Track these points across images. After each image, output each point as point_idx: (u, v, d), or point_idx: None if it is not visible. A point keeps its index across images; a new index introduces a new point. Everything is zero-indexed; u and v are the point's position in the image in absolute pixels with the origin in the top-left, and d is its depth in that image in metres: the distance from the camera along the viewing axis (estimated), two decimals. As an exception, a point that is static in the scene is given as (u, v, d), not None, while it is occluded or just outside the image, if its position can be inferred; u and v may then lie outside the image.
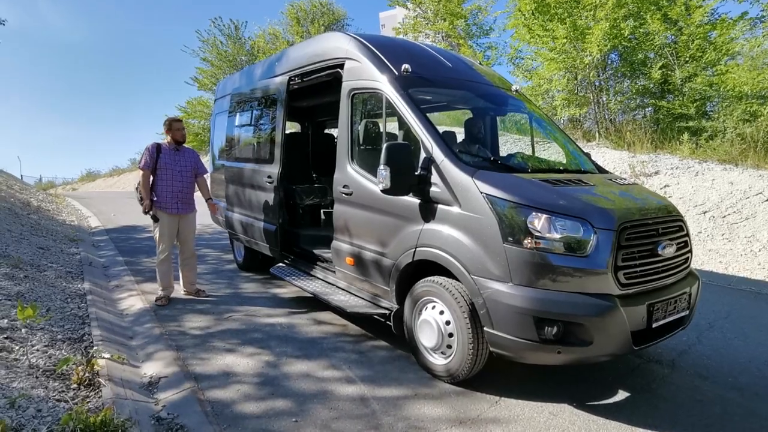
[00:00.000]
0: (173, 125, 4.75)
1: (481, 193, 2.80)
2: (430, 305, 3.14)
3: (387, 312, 3.52)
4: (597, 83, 12.62)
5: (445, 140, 3.19)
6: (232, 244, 6.58)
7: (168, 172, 4.69)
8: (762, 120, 9.12)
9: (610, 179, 3.45)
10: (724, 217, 7.02)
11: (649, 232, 2.80)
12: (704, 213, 7.28)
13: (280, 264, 4.96)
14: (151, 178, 4.70)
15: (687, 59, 11.04)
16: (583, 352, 2.58)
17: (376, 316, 3.62)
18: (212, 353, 3.50)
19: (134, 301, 4.76)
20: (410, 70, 3.57)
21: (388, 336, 3.70)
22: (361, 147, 3.92)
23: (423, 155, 3.18)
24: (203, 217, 5.80)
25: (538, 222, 2.62)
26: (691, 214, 7.38)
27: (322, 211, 5.95)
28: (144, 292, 5.04)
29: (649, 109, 12.37)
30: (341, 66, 4.08)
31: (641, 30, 11.69)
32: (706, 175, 8.18)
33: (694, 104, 10.58)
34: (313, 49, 4.60)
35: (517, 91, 4.47)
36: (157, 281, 4.80)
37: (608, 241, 2.59)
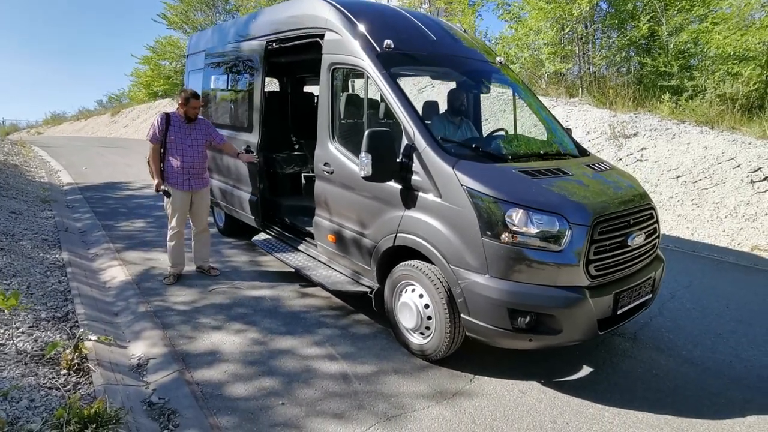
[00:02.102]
0: (191, 101, 4.31)
1: (462, 185, 2.84)
2: (409, 288, 3.26)
3: (368, 290, 3.64)
4: (583, 36, 12.36)
5: (428, 127, 3.17)
6: (212, 209, 6.53)
7: (178, 145, 4.33)
8: (742, 81, 9.18)
9: (589, 164, 3.51)
10: (696, 182, 7.25)
11: (622, 224, 2.91)
12: (677, 178, 7.49)
13: (262, 234, 4.99)
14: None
15: (675, 12, 10.85)
16: (552, 340, 2.75)
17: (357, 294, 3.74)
18: (199, 330, 3.60)
19: (116, 272, 4.77)
20: (392, 46, 3.46)
21: (369, 311, 3.84)
22: (343, 123, 3.86)
23: (405, 142, 3.17)
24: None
25: (517, 217, 2.70)
26: (664, 178, 7.58)
27: (303, 176, 5.91)
28: (125, 262, 5.04)
29: (634, 64, 12.28)
30: (321, 36, 3.92)
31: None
32: (682, 138, 8.32)
33: (678, 61, 10.53)
34: (292, 14, 4.37)
35: (501, 63, 4.39)
36: (168, 257, 4.59)
37: (582, 236, 2.69)
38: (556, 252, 2.68)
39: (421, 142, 3.07)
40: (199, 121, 4.46)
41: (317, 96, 6.71)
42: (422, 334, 3.23)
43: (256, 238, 4.96)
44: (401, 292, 3.33)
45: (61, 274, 4.50)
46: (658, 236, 3.29)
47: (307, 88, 7.24)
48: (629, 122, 9.24)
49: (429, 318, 3.14)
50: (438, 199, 2.96)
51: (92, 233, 6.15)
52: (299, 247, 4.51)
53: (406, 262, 3.24)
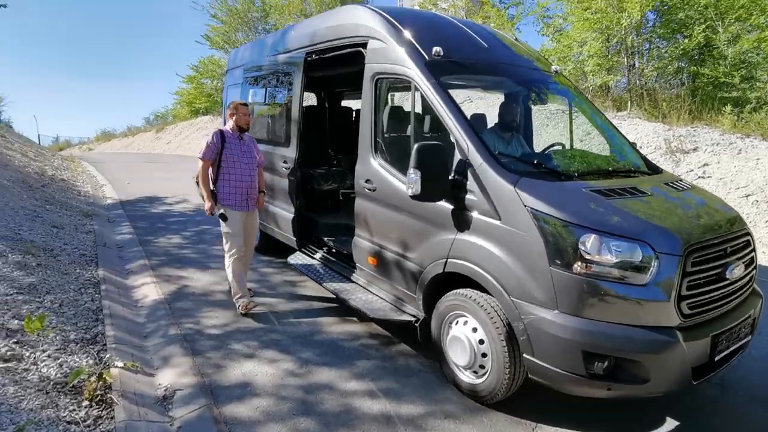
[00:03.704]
0: (239, 108, 4.04)
1: (526, 206, 2.48)
2: (461, 320, 2.90)
3: (412, 319, 3.31)
4: (633, 46, 11.77)
5: (484, 140, 2.84)
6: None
7: (236, 163, 3.99)
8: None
9: (667, 183, 3.08)
10: (769, 201, 6.55)
11: (718, 254, 2.47)
12: (747, 197, 6.81)
13: (298, 254, 4.75)
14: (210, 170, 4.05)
15: (733, 20, 10.15)
16: (636, 390, 2.33)
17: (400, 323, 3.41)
18: (230, 359, 3.35)
19: (149, 290, 4.63)
20: (442, 53, 3.17)
21: (413, 341, 3.49)
22: (387, 138, 3.58)
23: (458, 157, 2.85)
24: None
25: (591, 243, 2.32)
26: (732, 197, 6.91)
27: (341, 192, 5.67)
28: (159, 279, 4.91)
29: (687, 76, 11.57)
30: (363, 45, 3.68)
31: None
32: (749, 153, 7.62)
33: (738, 71, 9.80)
34: (332, 24, 4.17)
35: (557, 72, 4.03)
36: (233, 286, 4.12)
37: (672, 268, 2.28)
38: (640, 286, 2.28)
39: (476, 158, 2.74)
40: (247, 137, 4.19)
41: (356, 110, 6.56)
42: (475, 372, 2.85)
43: (291, 257, 4.72)
44: (451, 323, 2.97)
45: (95, 292, 4.38)
46: (755, 267, 2.82)
47: (345, 103, 7.07)
48: (687, 136, 8.58)
49: (484, 355, 2.77)
50: (497, 222, 2.61)
51: (130, 248, 6.09)
52: (337, 269, 4.23)
53: (458, 291, 2.90)
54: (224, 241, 4.11)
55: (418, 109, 3.25)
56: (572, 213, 2.40)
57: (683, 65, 11.59)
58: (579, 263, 2.31)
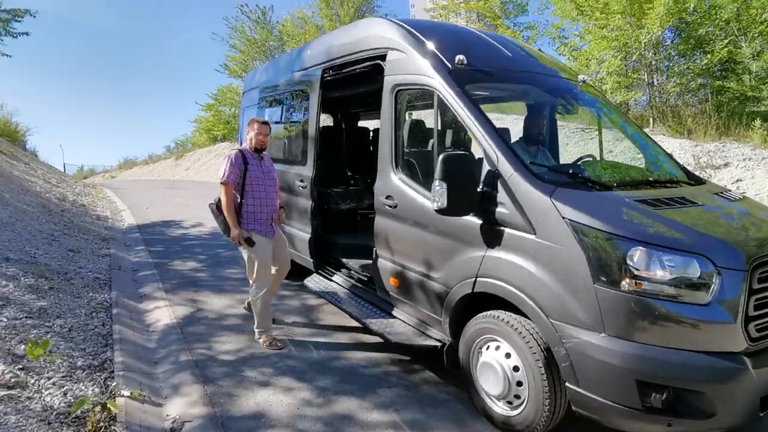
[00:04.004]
0: (257, 127, 3.74)
1: (564, 218, 2.27)
2: (492, 344, 2.66)
3: (438, 344, 3.07)
4: (652, 63, 11.58)
5: (514, 149, 2.65)
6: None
7: (260, 186, 3.71)
8: None
9: (717, 193, 2.84)
10: (812, 217, 6.16)
11: (785, 269, 2.20)
12: (787, 212, 6.43)
13: (315, 276, 4.56)
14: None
15: (756, 35, 9.91)
16: (699, 425, 2.04)
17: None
18: (243, 387, 3.14)
19: (162, 314, 4.47)
20: (466, 62, 3.02)
21: (439, 367, 3.24)
22: (407, 152, 3.42)
23: (486, 168, 2.66)
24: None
25: (640, 258, 2.08)
26: (770, 213, 6.54)
27: (358, 213, 5.51)
28: (172, 303, 4.76)
29: (711, 91, 11.29)
30: (382, 57, 3.57)
31: (702, 3, 10.61)
32: (785, 168, 7.27)
33: (766, 85, 9.49)
34: (349, 38, 4.09)
35: (584, 81, 3.85)
36: (258, 319, 3.78)
37: (736, 284, 2.03)
38: (701, 305, 2.02)
39: (507, 168, 2.55)
40: (266, 156, 3.93)
41: (373, 130, 6.47)
42: (510, 403, 2.58)
43: (308, 280, 4.53)
44: (481, 349, 2.72)
45: (106, 316, 4.24)
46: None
47: (361, 123, 6.99)
48: (716, 152, 8.26)
49: (519, 384, 2.51)
50: (531, 236, 2.40)
51: (144, 272, 5.99)
52: (356, 291, 4.03)
53: (488, 313, 2.66)
54: (250, 271, 3.75)
55: (442, 120, 3.09)
56: (617, 224, 2.18)
57: (705, 81, 11.34)
58: (627, 280, 2.08)
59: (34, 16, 9.91)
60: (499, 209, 2.55)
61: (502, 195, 2.54)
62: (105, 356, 3.46)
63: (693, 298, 2.04)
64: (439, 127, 3.11)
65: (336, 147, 6.05)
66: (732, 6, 10.07)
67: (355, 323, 3.93)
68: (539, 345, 2.37)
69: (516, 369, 2.51)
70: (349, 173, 6.06)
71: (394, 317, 3.50)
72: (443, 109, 3.01)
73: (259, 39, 26.09)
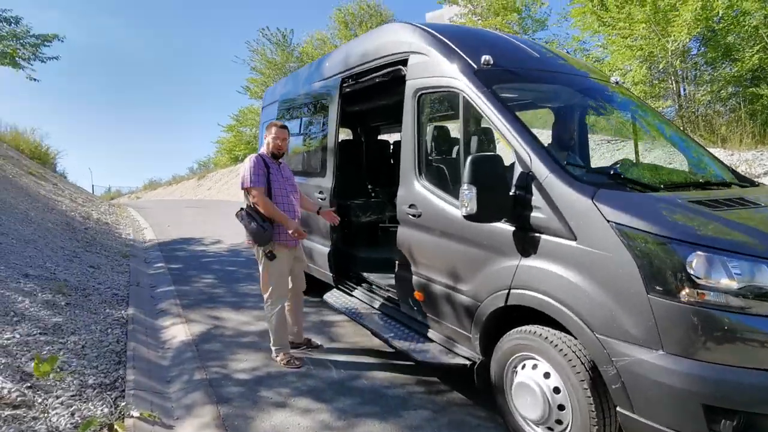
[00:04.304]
0: (275, 131, 3.56)
1: (609, 221, 2.04)
2: (529, 363, 2.41)
3: (467, 363, 2.83)
4: (680, 72, 11.25)
5: (549, 149, 2.45)
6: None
7: (282, 191, 3.52)
8: None
9: (776, 194, 2.57)
10: None
11: None
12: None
13: (335, 291, 4.38)
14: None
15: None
16: (780, 459, 1.76)
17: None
18: (259, 409, 2.94)
19: (178, 330, 4.34)
20: (492, 62, 2.85)
21: (469, 387, 2.99)
22: (431, 158, 3.26)
23: (518, 169, 2.46)
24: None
25: (702, 264, 1.84)
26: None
27: (379, 226, 5.34)
28: (189, 319, 4.63)
29: (741, 99, 10.87)
30: (404, 62, 3.44)
31: (729, 11, 10.30)
32: (831, 176, 6.83)
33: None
34: (370, 44, 3.98)
35: (617, 83, 3.65)
36: (274, 337, 3.58)
37: (817, 294, 1.76)
38: (776, 318, 1.76)
39: (541, 169, 2.34)
40: (284, 163, 3.75)
41: (393, 143, 6.34)
42: (550, 429, 2.33)
43: (328, 295, 4.35)
44: (516, 368, 2.48)
45: (122, 332, 4.12)
46: None
47: (380, 137, 6.88)
48: (754, 160, 7.86)
49: (561, 408, 2.25)
50: (571, 242, 2.17)
51: (162, 288, 5.90)
52: (378, 307, 3.82)
53: (523, 328, 2.43)
54: (265, 284, 3.54)
55: (468, 124, 2.92)
56: (671, 227, 1.94)
57: (737, 89, 10.94)
58: (687, 290, 1.83)
59: (62, 41, 10.21)
60: (534, 214, 2.34)
61: (537, 198, 2.33)
62: (117, 374, 3.32)
63: (765, 310, 1.78)
64: (465, 131, 2.93)
65: (356, 159, 5.94)
66: (761, 13, 9.75)
67: (377, 340, 3.71)
68: (584, 363, 2.12)
69: (557, 390, 2.26)
70: (369, 187, 5.92)
71: (419, 333, 3.28)
72: (469, 111, 2.84)
73: (279, 61, 26.64)
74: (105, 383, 3.17)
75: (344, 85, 4.32)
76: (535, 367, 2.37)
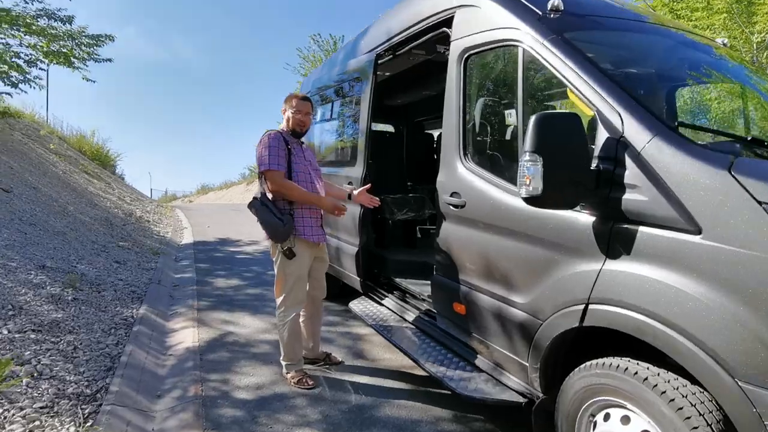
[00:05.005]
0: (295, 103, 2.97)
1: (762, 203, 1.31)
2: (615, 413, 1.68)
3: (521, 401, 2.12)
4: (766, 66, 9.91)
5: (649, 106, 1.73)
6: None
7: (306, 177, 2.98)
8: None
9: None
10: None
11: None
12: None
13: (362, 298, 3.78)
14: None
15: None
16: None
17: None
18: (254, 440, 2.37)
19: (186, 335, 3.88)
20: (562, 8, 2.16)
21: (521, 430, 2.28)
22: (480, 134, 2.59)
23: (603, 134, 1.75)
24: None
25: None
26: None
27: (418, 228, 4.71)
28: (201, 323, 4.17)
29: None
30: (448, 23, 2.81)
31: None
32: None
33: None
34: (408, 10, 3.39)
35: (725, 44, 2.84)
36: (285, 350, 3.02)
37: None
38: None
39: (639, 132, 1.63)
40: (305, 144, 3.20)
41: (437, 136, 5.72)
42: None
43: (354, 303, 3.75)
44: (595, 416, 1.75)
45: (125, 334, 3.71)
46: None
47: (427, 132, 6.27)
48: None
49: (668, 485, 1.50)
50: (692, 237, 1.44)
51: (185, 287, 5.53)
52: (411, 320, 3.17)
53: (607, 361, 1.70)
54: (280, 287, 2.97)
55: (529, 84, 2.23)
56: None
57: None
58: None
59: (113, 40, 10.36)
60: (627, 196, 1.63)
61: (632, 173, 1.62)
62: (104, 383, 2.86)
63: None
64: (525, 94, 2.24)
65: (396, 151, 5.36)
66: None
67: (409, 360, 3.06)
68: (710, 425, 1.38)
69: (661, 459, 1.51)
70: (409, 184, 5.31)
71: (460, 356, 2.59)
72: (531, 67, 2.16)
73: (328, 67, 26.76)
74: (85, 394, 2.70)
75: (379, 61, 3.75)
76: (626, 420, 1.63)
